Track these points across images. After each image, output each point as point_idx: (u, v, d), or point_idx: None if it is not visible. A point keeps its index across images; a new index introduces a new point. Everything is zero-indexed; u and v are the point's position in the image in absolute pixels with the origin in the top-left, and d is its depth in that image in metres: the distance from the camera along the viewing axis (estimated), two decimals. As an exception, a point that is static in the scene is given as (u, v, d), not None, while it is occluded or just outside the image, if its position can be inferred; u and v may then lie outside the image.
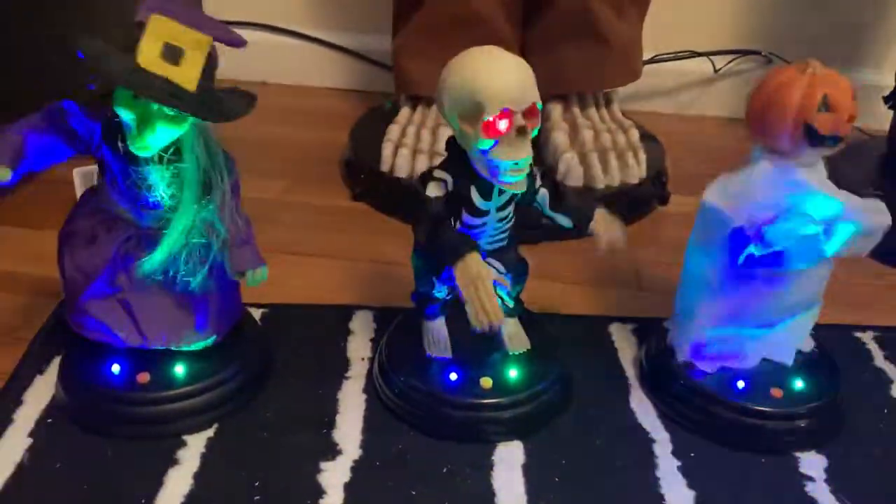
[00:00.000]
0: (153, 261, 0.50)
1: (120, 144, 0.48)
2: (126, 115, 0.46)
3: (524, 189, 0.50)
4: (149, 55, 0.43)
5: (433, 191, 0.50)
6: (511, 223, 0.53)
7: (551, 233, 0.79)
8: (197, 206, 0.49)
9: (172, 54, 0.43)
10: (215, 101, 0.46)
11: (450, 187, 0.50)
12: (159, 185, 0.49)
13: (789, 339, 0.57)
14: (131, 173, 0.49)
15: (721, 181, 0.54)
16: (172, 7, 0.44)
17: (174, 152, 0.48)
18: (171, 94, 0.43)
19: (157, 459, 0.52)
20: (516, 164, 0.47)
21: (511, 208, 0.52)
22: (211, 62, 0.45)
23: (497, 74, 0.46)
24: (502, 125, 0.46)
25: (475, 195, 0.50)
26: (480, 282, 0.48)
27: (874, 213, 0.52)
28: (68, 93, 0.49)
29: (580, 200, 0.55)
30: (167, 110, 0.45)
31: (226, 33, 0.46)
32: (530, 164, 0.49)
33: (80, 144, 0.49)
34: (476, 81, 0.46)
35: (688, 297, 0.57)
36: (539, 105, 0.47)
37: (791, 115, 0.50)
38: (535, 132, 0.48)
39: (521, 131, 0.46)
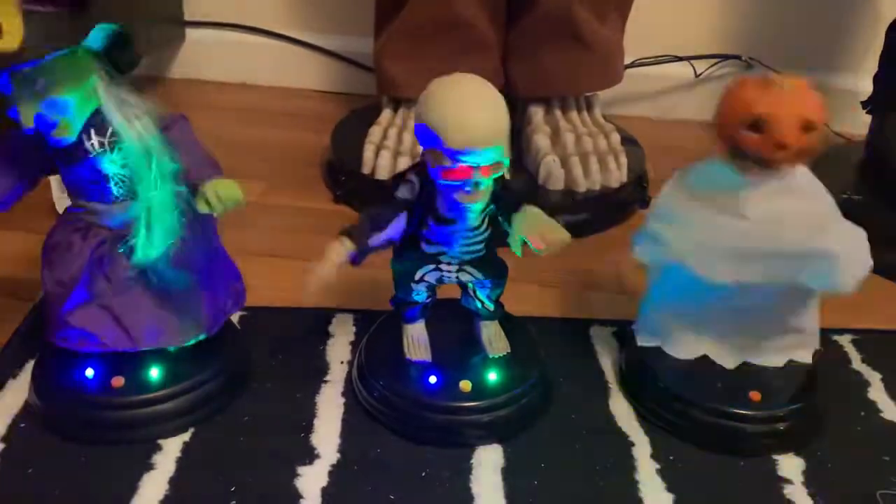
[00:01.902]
0: (151, 246, 0.49)
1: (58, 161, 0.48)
2: (18, 114, 0.45)
3: (488, 209, 0.50)
4: None
5: (402, 192, 0.51)
6: (486, 234, 0.52)
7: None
8: (153, 172, 0.48)
9: None
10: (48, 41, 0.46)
11: (416, 192, 0.50)
12: (114, 171, 0.48)
13: (734, 347, 0.57)
14: (85, 173, 0.48)
15: (680, 172, 0.55)
16: None
17: (112, 134, 0.48)
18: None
19: (131, 464, 0.51)
20: (471, 206, 0.48)
21: (483, 219, 0.51)
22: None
23: (464, 130, 0.45)
24: (460, 176, 0.46)
25: (442, 206, 0.50)
26: (326, 260, 0.49)
27: (847, 266, 0.50)
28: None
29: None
30: (29, 70, 0.44)
31: None
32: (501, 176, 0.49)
33: (40, 167, 0.49)
34: (443, 129, 0.45)
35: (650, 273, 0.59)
36: (504, 160, 0.46)
37: (724, 126, 0.49)
38: (497, 175, 0.47)
39: (476, 184, 0.46)
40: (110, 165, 0.48)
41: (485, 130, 0.45)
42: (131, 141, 0.48)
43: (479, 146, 0.45)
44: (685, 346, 0.58)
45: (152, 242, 0.49)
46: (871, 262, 0.51)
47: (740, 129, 0.48)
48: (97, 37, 0.48)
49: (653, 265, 0.57)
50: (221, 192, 0.49)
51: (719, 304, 0.55)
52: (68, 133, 0.47)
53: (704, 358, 0.58)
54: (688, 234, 0.52)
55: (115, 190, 0.49)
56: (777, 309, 0.55)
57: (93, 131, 0.48)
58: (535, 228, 0.50)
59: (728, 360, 0.57)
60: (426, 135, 0.46)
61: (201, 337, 0.54)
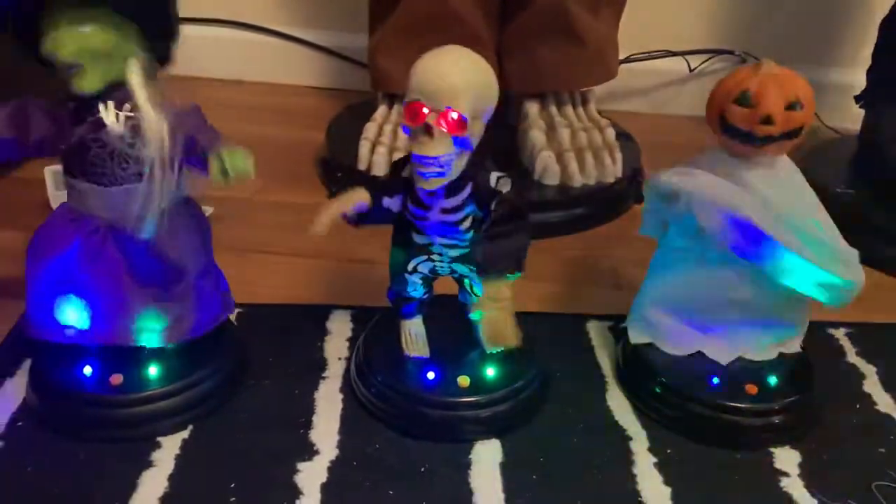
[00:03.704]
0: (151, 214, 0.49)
1: (79, 123, 0.48)
2: (64, 57, 0.45)
3: (468, 208, 0.51)
4: None
5: (406, 172, 0.51)
6: (468, 235, 0.52)
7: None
8: (163, 155, 0.48)
9: None
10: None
11: (405, 172, 0.51)
12: (122, 145, 0.48)
13: (731, 342, 0.57)
14: (92, 148, 0.48)
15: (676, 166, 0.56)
16: None
17: (129, 111, 0.48)
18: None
19: (130, 462, 0.51)
20: (422, 158, 0.47)
21: (464, 217, 0.51)
22: None
23: (427, 67, 0.47)
24: (410, 114, 0.47)
25: (417, 186, 0.50)
26: (326, 209, 0.51)
27: (845, 265, 0.52)
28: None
29: (494, 258, 0.52)
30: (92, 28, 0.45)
31: None
32: (488, 186, 0.50)
33: (43, 146, 0.49)
34: (413, 74, 0.47)
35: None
36: (462, 116, 0.46)
37: (714, 102, 0.51)
38: (460, 142, 0.47)
39: (427, 129, 0.46)
40: (119, 141, 0.48)
41: (447, 72, 0.46)
42: (149, 124, 0.47)
43: (434, 85, 0.46)
44: (678, 342, 0.58)
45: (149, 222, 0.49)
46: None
47: (728, 102, 0.50)
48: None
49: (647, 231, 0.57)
50: (233, 159, 0.51)
51: (714, 296, 0.55)
52: (87, 84, 0.47)
53: (700, 352, 0.58)
54: (699, 180, 0.53)
55: (117, 170, 0.49)
56: (771, 302, 0.55)
57: (111, 103, 0.47)
58: (490, 327, 0.54)
59: (722, 356, 0.58)
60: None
61: (188, 338, 0.54)
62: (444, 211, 0.51)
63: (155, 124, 0.47)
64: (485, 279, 0.52)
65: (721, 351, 0.58)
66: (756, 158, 0.52)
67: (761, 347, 0.58)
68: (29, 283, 0.52)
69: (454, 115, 0.46)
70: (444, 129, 0.46)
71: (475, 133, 0.48)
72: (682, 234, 0.55)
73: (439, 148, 0.47)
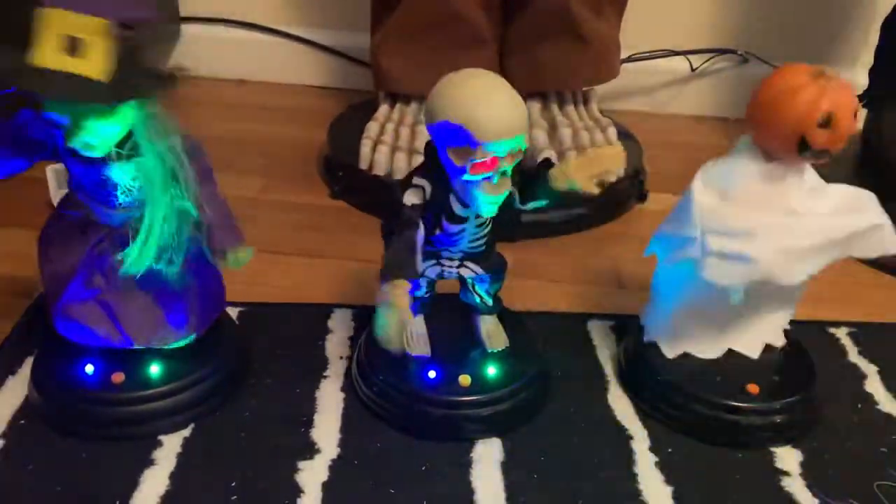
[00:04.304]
0: (141, 259, 0.49)
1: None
2: (60, 118, 0.44)
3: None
4: (46, 51, 0.41)
5: (410, 198, 0.50)
6: (489, 228, 0.53)
7: (529, 230, 0.79)
8: (167, 196, 0.48)
9: (73, 46, 0.41)
10: (133, 85, 0.44)
11: (428, 195, 0.50)
12: (123, 182, 0.48)
13: (757, 333, 0.58)
14: (94, 175, 0.48)
15: (708, 166, 0.54)
16: None
17: (132, 147, 0.47)
18: (77, 88, 0.42)
19: (132, 460, 0.51)
20: (497, 198, 0.47)
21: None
22: (125, 46, 0.43)
23: (497, 120, 0.45)
24: (489, 167, 0.46)
25: (454, 202, 0.50)
26: (395, 310, 0.47)
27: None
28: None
29: (537, 179, 0.52)
30: (93, 105, 0.43)
31: (132, 10, 0.44)
32: None
33: (44, 151, 0.48)
34: (471, 122, 0.45)
35: (658, 277, 0.58)
36: (524, 147, 0.47)
37: (791, 123, 0.49)
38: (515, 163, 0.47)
39: (504, 173, 0.46)
40: (122, 175, 0.48)
41: (513, 119, 0.45)
42: (154, 159, 0.47)
43: (510, 135, 0.45)
44: (713, 346, 0.58)
45: (145, 257, 0.49)
46: None
47: (812, 127, 0.48)
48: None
49: (732, 287, 0.53)
50: (239, 258, 0.52)
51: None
52: (98, 151, 0.46)
53: (729, 351, 0.58)
54: (764, 245, 0.51)
55: (120, 197, 0.49)
56: (777, 297, 0.55)
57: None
58: (583, 171, 0.51)
59: (752, 349, 0.58)
60: (450, 132, 0.46)
61: (191, 338, 0.54)
62: (479, 215, 0.51)
63: (159, 162, 0.47)
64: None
65: (750, 345, 0.58)
66: (803, 165, 0.52)
67: (747, 339, 0.58)
68: (43, 278, 0.52)
69: (521, 149, 0.46)
70: (514, 161, 0.46)
71: None
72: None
73: (508, 183, 0.47)
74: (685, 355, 0.58)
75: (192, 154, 0.49)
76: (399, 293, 0.47)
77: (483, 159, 0.45)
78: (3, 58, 0.41)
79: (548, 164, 0.52)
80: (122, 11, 0.43)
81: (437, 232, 0.51)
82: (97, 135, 0.45)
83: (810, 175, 0.53)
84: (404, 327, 0.48)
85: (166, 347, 0.54)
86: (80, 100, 0.42)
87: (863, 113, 0.92)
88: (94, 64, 0.42)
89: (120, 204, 0.49)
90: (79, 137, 0.44)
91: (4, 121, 0.47)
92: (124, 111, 0.45)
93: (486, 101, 0.45)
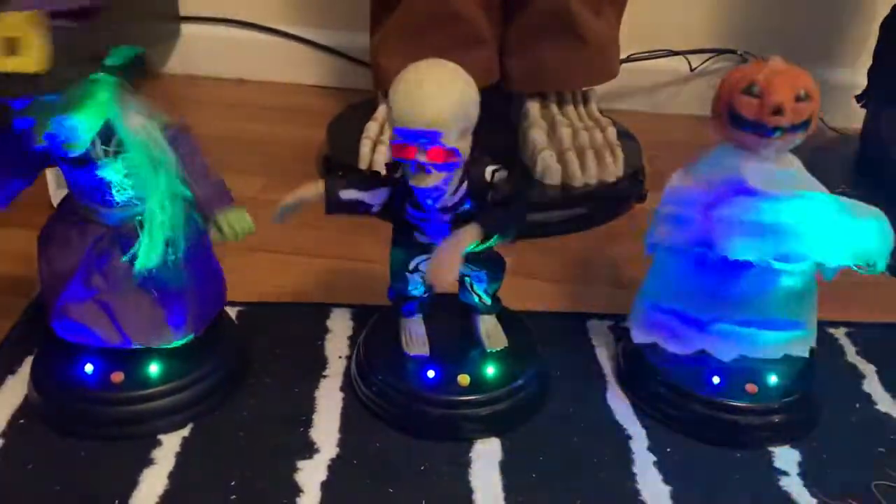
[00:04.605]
0: (152, 253, 0.49)
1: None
2: (24, 122, 0.45)
3: (449, 202, 0.50)
4: None
5: (394, 173, 0.52)
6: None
7: (528, 230, 0.79)
8: (160, 182, 0.48)
9: (10, 46, 0.42)
10: (74, 75, 0.45)
11: (401, 173, 0.51)
12: (116, 179, 0.48)
13: (733, 341, 0.57)
14: (87, 177, 0.48)
15: (683, 168, 0.56)
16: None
17: (118, 144, 0.47)
18: (18, 85, 0.42)
19: (131, 459, 0.51)
20: (420, 190, 0.48)
21: (461, 214, 0.51)
22: (63, 33, 0.44)
23: (411, 102, 0.45)
24: (398, 153, 0.46)
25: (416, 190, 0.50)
26: (296, 192, 0.53)
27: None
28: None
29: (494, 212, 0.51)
30: (48, 101, 0.44)
31: (69, 4, 0.45)
32: (482, 175, 0.50)
33: (45, 160, 0.49)
34: (394, 100, 0.46)
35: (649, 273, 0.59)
36: (452, 147, 0.46)
37: (722, 95, 0.52)
38: (450, 168, 0.47)
39: (420, 167, 0.46)
40: (113, 173, 0.48)
41: (426, 109, 0.45)
42: (137, 151, 0.47)
43: (418, 124, 0.45)
44: (681, 342, 0.58)
45: (154, 251, 0.49)
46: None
47: (737, 93, 0.51)
48: (115, 57, 0.47)
49: (650, 251, 0.57)
50: (234, 223, 0.51)
51: (715, 294, 0.55)
52: (77, 148, 0.47)
53: (701, 351, 0.58)
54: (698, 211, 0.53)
55: (116, 196, 0.49)
56: (771, 299, 0.55)
57: (98, 140, 0.48)
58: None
59: (724, 353, 0.58)
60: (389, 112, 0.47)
61: (189, 338, 0.55)
62: (444, 210, 0.51)
63: (144, 151, 0.48)
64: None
65: (723, 349, 0.58)
66: (764, 152, 0.52)
67: (764, 347, 0.58)
68: (41, 279, 0.52)
69: (444, 148, 0.46)
70: (440, 163, 0.46)
71: (465, 147, 0.48)
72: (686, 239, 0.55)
73: (437, 178, 0.47)
74: (687, 355, 0.58)
75: (174, 136, 0.49)
76: (308, 185, 0.52)
77: (395, 141, 0.46)
78: None
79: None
80: (60, 4, 0.44)
81: (405, 215, 0.52)
82: (65, 130, 0.45)
83: (796, 167, 0.53)
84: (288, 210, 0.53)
85: (165, 347, 0.54)
86: (22, 95, 0.43)
87: (862, 113, 0.92)
88: (31, 59, 0.43)
89: (117, 203, 0.49)
90: (45, 135, 0.45)
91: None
92: (88, 105, 0.46)
93: (406, 87, 0.46)
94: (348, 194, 0.52)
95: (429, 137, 0.45)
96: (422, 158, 0.46)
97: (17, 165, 0.50)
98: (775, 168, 0.52)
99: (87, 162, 0.48)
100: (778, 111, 0.50)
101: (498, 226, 0.50)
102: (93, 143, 0.47)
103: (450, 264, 0.48)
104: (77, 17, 0.45)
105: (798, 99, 0.50)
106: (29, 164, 0.50)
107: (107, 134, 0.47)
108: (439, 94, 0.46)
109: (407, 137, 0.46)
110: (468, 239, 0.48)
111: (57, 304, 0.52)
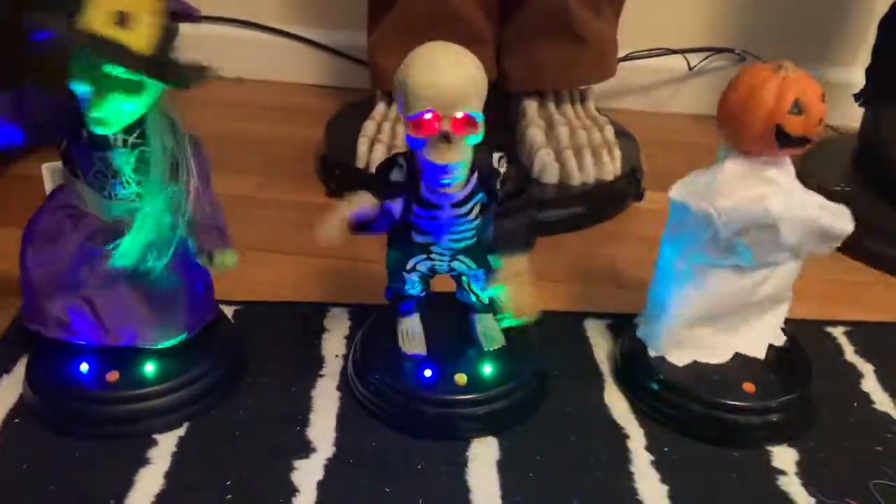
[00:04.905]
0: (129, 252, 0.49)
1: (84, 132, 0.47)
2: (82, 88, 0.45)
3: (478, 196, 0.50)
4: (98, 20, 0.42)
5: (395, 176, 0.51)
6: (477, 222, 0.52)
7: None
8: (166, 192, 0.48)
9: (123, 19, 0.43)
10: (170, 66, 0.45)
11: (404, 173, 0.50)
12: (125, 170, 0.48)
13: (761, 333, 0.58)
14: (95, 161, 0.48)
15: (688, 178, 0.55)
16: None
17: (139, 136, 0.47)
18: (120, 53, 0.43)
19: (127, 459, 0.51)
20: (442, 167, 0.47)
21: (473, 207, 0.51)
22: (168, 32, 0.45)
23: (430, 74, 0.45)
24: (425, 126, 0.46)
25: (423, 188, 0.50)
26: (333, 215, 0.49)
27: (837, 217, 0.53)
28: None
29: (509, 235, 0.52)
30: (122, 75, 0.44)
31: (180, 5, 0.46)
32: (493, 167, 0.50)
33: (44, 133, 0.48)
34: (410, 77, 0.46)
35: (659, 290, 0.58)
36: (477, 115, 0.46)
37: (763, 117, 0.50)
38: (472, 140, 0.47)
39: (446, 137, 0.46)
40: (123, 163, 0.48)
41: (453, 75, 0.46)
42: (158, 151, 0.47)
43: (440, 90, 0.45)
44: (719, 351, 0.58)
45: (132, 251, 0.49)
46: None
47: (784, 115, 0.50)
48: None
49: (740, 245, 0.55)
50: (224, 260, 0.51)
51: (745, 299, 0.55)
52: (109, 129, 0.46)
53: (735, 354, 0.58)
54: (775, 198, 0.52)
55: (118, 189, 0.49)
56: (781, 271, 0.55)
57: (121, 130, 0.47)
58: (513, 300, 0.51)
59: (758, 351, 0.58)
60: (399, 99, 0.47)
61: (180, 338, 0.54)
62: (456, 205, 0.51)
63: (164, 158, 0.48)
64: (502, 256, 0.52)
65: (756, 346, 0.58)
66: (781, 159, 0.53)
67: (751, 337, 0.58)
68: (25, 276, 0.52)
69: (467, 115, 0.46)
70: (463, 134, 0.46)
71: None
72: (705, 251, 0.54)
73: (459, 153, 0.47)
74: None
75: (194, 153, 0.50)
76: (357, 199, 0.50)
77: (416, 114, 0.46)
78: (58, 18, 0.42)
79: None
80: (171, 3, 0.45)
81: (410, 216, 0.51)
82: (113, 110, 0.45)
83: (790, 177, 0.53)
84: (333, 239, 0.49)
85: (157, 346, 0.54)
86: (121, 64, 0.43)
87: (860, 111, 0.92)
88: (139, 36, 0.44)
89: (116, 195, 0.49)
90: (98, 110, 0.45)
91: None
92: (145, 94, 0.46)
93: (422, 59, 0.46)
94: (391, 206, 0.51)
95: (451, 106, 0.45)
96: (446, 127, 0.46)
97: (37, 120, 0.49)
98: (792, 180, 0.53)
99: (102, 144, 0.47)
100: (821, 121, 0.51)
101: (515, 244, 0.51)
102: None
103: (527, 295, 0.51)
104: (178, 19, 0.46)
105: (822, 101, 0.51)
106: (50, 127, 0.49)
107: (133, 125, 0.47)
108: (456, 63, 0.46)
109: (428, 109, 0.45)
110: (519, 266, 0.51)
111: (43, 299, 0.51)
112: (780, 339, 0.59)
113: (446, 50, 0.47)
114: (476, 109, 0.46)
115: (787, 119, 0.50)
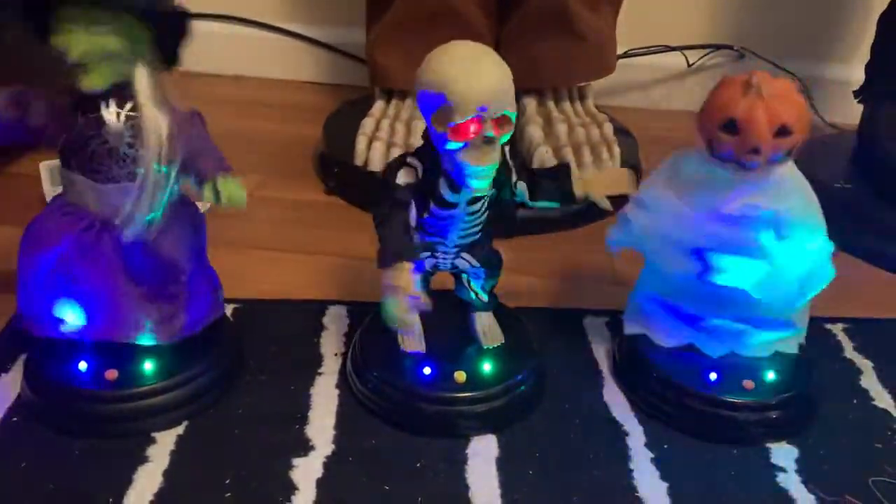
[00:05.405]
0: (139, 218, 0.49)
1: (80, 118, 0.48)
2: (73, 57, 0.45)
3: (490, 192, 0.50)
4: None
5: (403, 177, 0.50)
6: (484, 217, 0.53)
7: (524, 226, 0.79)
8: (159, 162, 0.48)
9: None
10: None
11: (420, 175, 0.50)
12: (120, 146, 0.48)
13: (719, 338, 0.57)
14: (91, 143, 0.48)
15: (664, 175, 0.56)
16: None
17: (133, 108, 0.48)
18: None
19: (125, 458, 0.51)
20: (483, 170, 0.47)
21: (484, 203, 0.52)
22: None
23: (473, 79, 0.45)
24: (471, 131, 0.45)
25: (444, 188, 0.49)
26: (402, 293, 0.48)
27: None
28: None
29: (554, 181, 0.54)
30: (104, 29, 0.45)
31: None
32: (506, 160, 0.49)
33: (41, 134, 0.49)
34: (450, 83, 0.45)
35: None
36: (512, 115, 0.46)
37: (703, 126, 0.50)
38: (506, 138, 0.47)
39: (489, 140, 0.46)
40: (118, 137, 0.48)
41: (492, 82, 0.45)
42: (149, 125, 0.47)
43: (488, 96, 0.45)
44: (670, 334, 0.58)
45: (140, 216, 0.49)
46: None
47: (716, 130, 0.49)
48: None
49: (615, 248, 0.58)
50: (229, 188, 0.50)
51: (706, 291, 0.54)
52: (93, 83, 0.46)
53: (689, 345, 0.58)
54: (655, 224, 0.54)
55: (114, 167, 0.49)
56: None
57: (114, 102, 0.47)
58: (600, 185, 0.53)
59: (713, 350, 0.58)
60: (430, 99, 0.46)
61: (179, 336, 0.54)
62: (472, 202, 0.50)
63: (155, 126, 0.47)
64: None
65: (712, 345, 0.58)
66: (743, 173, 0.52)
67: (754, 346, 0.57)
68: (21, 276, 0.52)
69: (507, 117, 0.46)
70: (501, 134, 0.46)
71: None
72: None
73: (498, 153, 0.47)
74: (683, 351, 0.58)
75: (186, 118, 0.50)
76: (404, 276, 0.47)
77: (461, 121, 0.45)
78: None
79: (567, 168, 0.53)
80: None
81: (426, 215, 0.51)
82: (105, 70, 0.46)
83: (783, 176, 0.52)
84: (405, 308, 0.48)
85: (159, 344, 0.54)
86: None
87: (859, 108, 0.92)
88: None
89: (113, 177, 0.49)
90: (88, 73, 0.46)
91: None
92: (134, 56, 0.47)
93: (462, 62, 0.45)
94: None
95: (496, 108, 0.45)
96: (490, 131, 0.45)
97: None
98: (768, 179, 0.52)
99: (95, 124, 0.47)
100: (755, 151, 0.49)
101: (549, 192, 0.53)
102: (107, 102, 0.47)
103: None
104: None
105: (777, 134, 0.48)
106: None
107: (123, 97, 0.47)
108: (494, 64, 0.46)
109: (475, 111, 0.45)
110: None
111: (35, 294, 0.51)
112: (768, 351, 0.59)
113: (484, 52, 0.46)
114: (512, 108, 0.46)
115: (717, 135, 0.49)
